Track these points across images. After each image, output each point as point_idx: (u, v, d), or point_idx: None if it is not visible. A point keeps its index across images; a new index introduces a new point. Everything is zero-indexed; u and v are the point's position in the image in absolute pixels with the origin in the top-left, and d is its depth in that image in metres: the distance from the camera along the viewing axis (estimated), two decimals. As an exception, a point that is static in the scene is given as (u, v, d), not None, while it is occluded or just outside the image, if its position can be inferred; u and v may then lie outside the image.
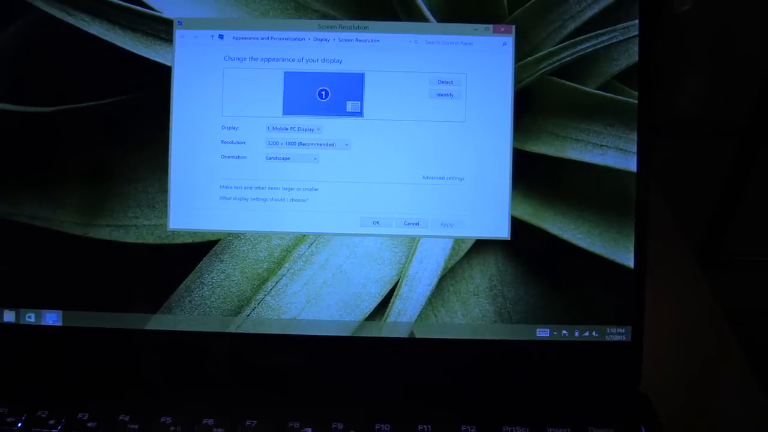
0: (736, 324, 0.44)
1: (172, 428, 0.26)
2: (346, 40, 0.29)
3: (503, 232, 0.29)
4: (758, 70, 0.86)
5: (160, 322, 0.29)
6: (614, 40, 0.29)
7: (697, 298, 0.46)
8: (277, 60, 0.29)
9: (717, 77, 0.91)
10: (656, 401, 0.31)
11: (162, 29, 0.29)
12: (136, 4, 0.29)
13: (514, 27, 0.29)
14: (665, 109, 0.94)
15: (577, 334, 0.29)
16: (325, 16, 0.29)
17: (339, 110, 0.29)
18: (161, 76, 0.29)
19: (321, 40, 0.29)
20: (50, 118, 0.29)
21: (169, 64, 0.29)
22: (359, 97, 0.29)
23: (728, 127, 0.91)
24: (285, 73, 0.29)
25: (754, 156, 0.90)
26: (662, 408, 0.32)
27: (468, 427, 0.27)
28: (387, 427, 0.26)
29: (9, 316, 0.29)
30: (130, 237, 0.29)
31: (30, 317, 0.29)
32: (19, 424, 0.26)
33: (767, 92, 0.85)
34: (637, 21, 0.29)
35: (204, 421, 0.27)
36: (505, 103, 0.29)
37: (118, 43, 0.29)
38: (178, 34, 0.29)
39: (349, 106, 0.29)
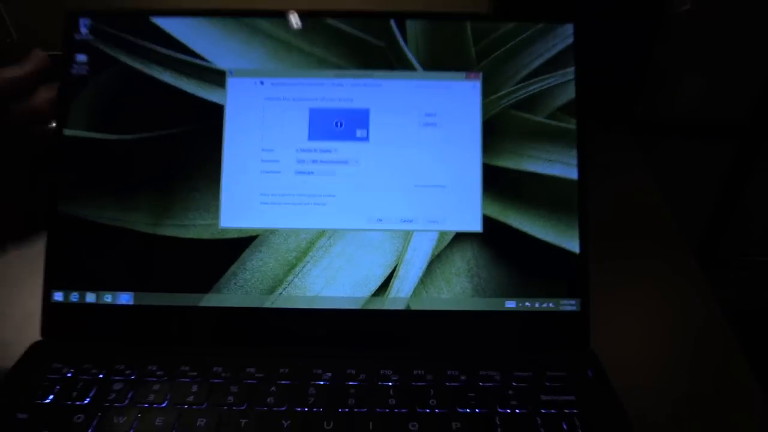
0: (736, 324, 0.44)
1: (222, 374, 0.34)
2: (355, 84, 0.38)
3: (477, 226, 0.37)
4: (758, 70, 0.85)
5: (211, 300, 0.37)
6: (556, 82, 0.38)
7: (697, 298, 0.46)
8: (304, 99, 0.38)
9: (717, 77, 0.90)
10: (657, 399, 0.35)
11: (217, 77, 0.38)
12: (197, 59, 0.38)
13: (481, 74, 0.38)
14: (665, 108, 0.93)
15: (537, 305, 0.37)
16: (339, 67, 0.38)
17: (351, 136, 0.38)
18: (216, 112, 0.38)
19: (337, 84, 0.38)
20: (131, 144, 0.38)
21: (222, 103, 0.38)
22: (366, 126, 0.38)
23: (728, 127, 0.90)
24: (310, 109, 0.38)
25: (754, 156, 0.89)
26: (664, 401, 0.35)
27: (453, 371, 0.34)
28: (389, 372, 0.34)
29: (91, 298, 0.37)
30: (190, 234, 0.37)
31: (107, 298, 0.37)
32: (101, 375, 0.34)
33: (767, 92, 0.85)
34: (573, 68, 0.38)
35: (247, 370, 0.34)
36: (476, 129, 0.38)
37: (184, 88, 0.38)
38: (230, 81, 0.38)
39: (359, 133, 0.38)
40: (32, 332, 0.38)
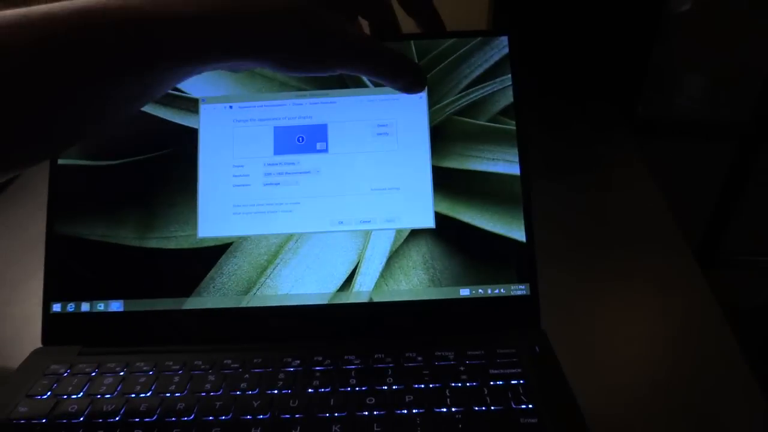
0: (736, 324, 0.44)
1: (202, 367, 0.37)
2: (314, 103, 0.43)
3: (430, 222, 0.41)
4: (758, 70, 0.85)
5: (192, 302, 0.41)
6: (495, 89, 0.42)
7: (697, 298, 0.45)
8: (269, 119, 0.43)
9: (717, 77, 0.90)
10: (657, 399, 0.35)
11: (191, 105, 0.43)
12: (172, 90, 0.43)
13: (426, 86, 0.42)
14: (665, 108, 0.93)
15: (489, 291, 0.40)
16: (299, 89, 0.43)
17: (311, 149, 0.42)
18: (191, 135, 0.42)
19: (297, 104, 0.43)
20: (116, 168, 0.42)
21: (196, 127, 0.42)
22: (325, 139, 0.42)
23: (728, 127, 0.90)
24: (274, 127, 0.42)
25: (754, 156, 0.89)
26: (664, 401, 0.36)
27: (411, 353, 0.37)
28: (352, 357, 0.37)
29: (85, 307, 0.41)
30: (171, 244, 0.41)
31: (100, 306, 0.41)
32: (93, 373, 0.38)
33: (767, 92, 0.85)
34: (509, 75, 0.42)
35: (224, 361, 0.38)
36: (424, 135, 0.42)
37: (161, 115, 0.43)
38: (203, 107, 0.43)
39: (319, 146, 0.42)
40: (32, 332, 0.41)
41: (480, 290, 0.40)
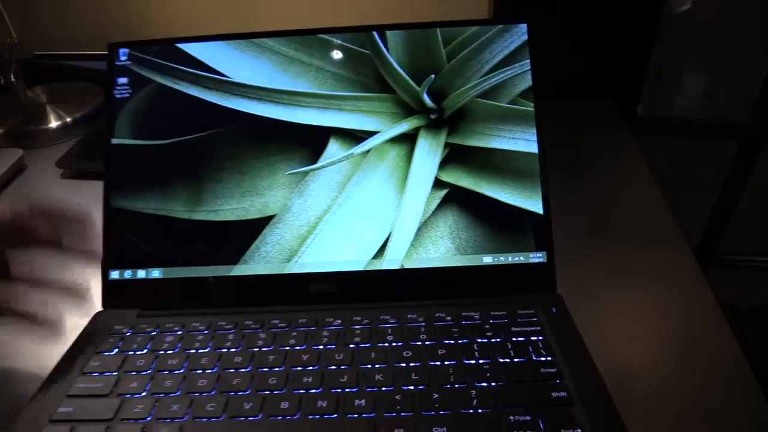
0: (736, 324, 0.43)
1: (253, 326, 0.41)
2: (366, 99, 0.46)
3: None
4: (758, 70, 0.83)
5: (240, 269, 0.45)
6: (515, 73, 0.46)
7: (697, 298, 0.45)
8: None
9: (717, 77, 0.89)
10: (657, 399, 0.36)
11: (234, 88, 0.46)
12: (217, 75, 0.47)
13: (451, 70, 0.46)
14: (665, 109, 0.92)
15: (510, 259, 0.44)
16: (335, 75, 0.46)
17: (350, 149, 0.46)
18: (236, 116, 0.46)
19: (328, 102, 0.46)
20: (166, 147, 0.46)
21: (239, 108, 0.46)
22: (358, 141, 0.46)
23: (728, 127, 0.88)
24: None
25: (754, 156, 0.87)
26: (664, 400, 0.36)
27: (440, 313, 0.41)
28: (388, 317, 0.41)
29: (141, 274, 0.45)
30: (219, 217, 0.45)
31: (154, 273, 0.45)
32: (154, 332, 0.42)
33: (767, 92, 0.83)
34: (528, 60, 0.46)
35: (272, 321, 0.42)
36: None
37: (207, 98, 0.46)
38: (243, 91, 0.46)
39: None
40: (31, 332, 0.43)
41: (501, 258, 0.44)
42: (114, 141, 0.46)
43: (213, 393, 0.36)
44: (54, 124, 0.74)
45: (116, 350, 0.40)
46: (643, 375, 0.40)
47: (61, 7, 0.82)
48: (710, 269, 0.98)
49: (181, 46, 0.47)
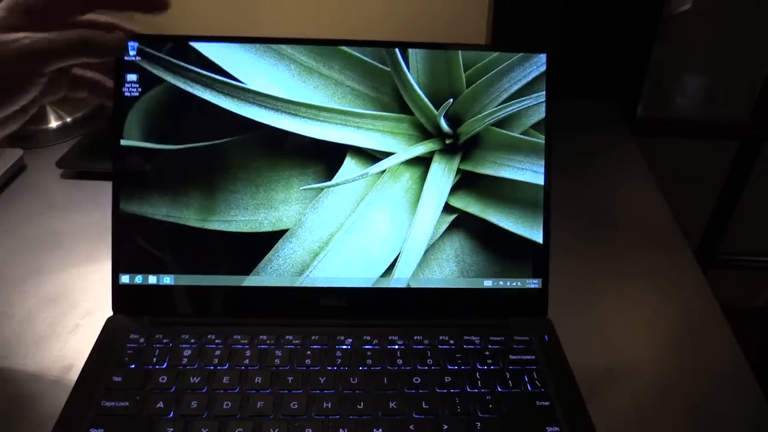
0: (736, 324, 0.44)
1: (268, 341, 0.44)
2: (382, 119, 0.46)
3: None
4: (758, 70, 0.83)
5: (251, 280, 0.46)
6: (530, 104, 0.47)
7: (697, 298, 0.46)
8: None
9: (717, 77, 0.90)
10: (657, 398, 0.37)
11: (250, 96, 0.46)
12: (232, 80, 0.45)
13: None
14: (665, 109, 0.93)
15: (508, 283, 0.47)
16: (353, 90, 0.46)
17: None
18: (253, 126, 0.46)
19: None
20: (178, 153, 0.46)
21: (256, 118, 0.46)
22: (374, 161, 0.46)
23: (728, 127, 0.88)
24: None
25: (754, 156, 0.87)
26: (664, 399, 0.37)
27: (444, 336, 0.45)
28: (395, 338, 0.44)
29: (152, 279, 0.46)
30: (232, 228, 0.46)
31: (166, 279, 0.46)
32: (170, 344, 0.43)
33: (767, 92, 0.83)
34: (544, 92, 0.47)
35: (287, 337, 0.44)
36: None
37: (221, 104, 0.45)
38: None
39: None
40: (31, 332, 0.45)
41: (500, 282, 0.47)
42: (123, 142, 0.45)
43: (239, 417, 0.39)
44: (54, 124, 0.74)
45: (136, 364, 0.42)
46: (643, 375, 0.42)
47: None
48: (710, 269, 1.00)
49: (195, 45, 0.45)
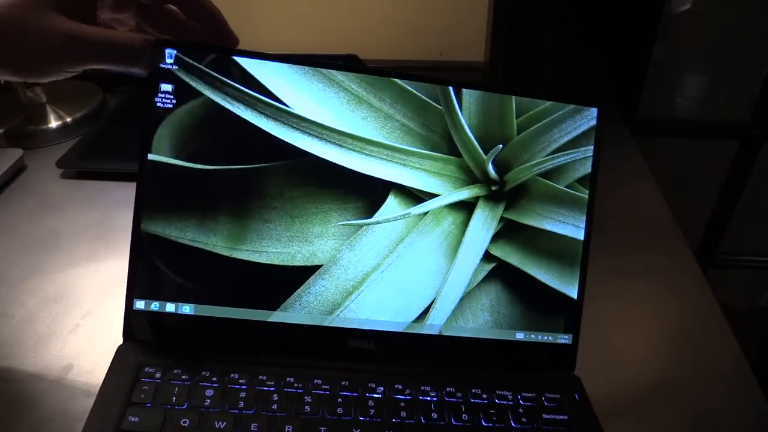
0: (736, 324, 0.43)
1: (295, 385, 0.41)
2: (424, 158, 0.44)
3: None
4: (758, 70, 0.83)
5: (278, 316, 0.43)
6: (578, 157, 0.46)
7: (697, 298, 0.46)
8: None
9: (717, 77, 0.90)
10: (656, 398, 0.37)
11: (293, 121, 0.43)
12: (277, 102, 0.42)
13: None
14: (665, 109, 0.92)
15: (540, 337, 0.46)
16: (403, 125, 0.44)
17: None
18: (294, 153, 0.43)
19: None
20: (211, 174, 0.42)
21: (298, 145, 0.43)
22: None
23: (728, 127, 0.88)
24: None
25: (754, 156, 0.87)
26: (664, 399, 0.37)
27: (476, 389, 0.43)
28: (428, 388, 0.43)
29: (170, 308, 0.42)
30: (263, 259, 0.43)
31: (185, 308, 0.42)
32: (189, 382, 0.40)
33: (767, 92, 0.83)
34: (592, 146, 0.46)
35: (315, 381, 0.41)
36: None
37: (262, 126, 0.43)
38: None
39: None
40: (31, 332, 0.43)
41: (532, 335, 0.46)
42: (151, 156, 0.42)
43: (270, 472, 0.36)
44: (54, 124, 0.74)
45: (152, 403, 0.38)
46: (643, 375, 0.42)
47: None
48: (710, 269, 1.00)
49: (240, 59, 0.42)
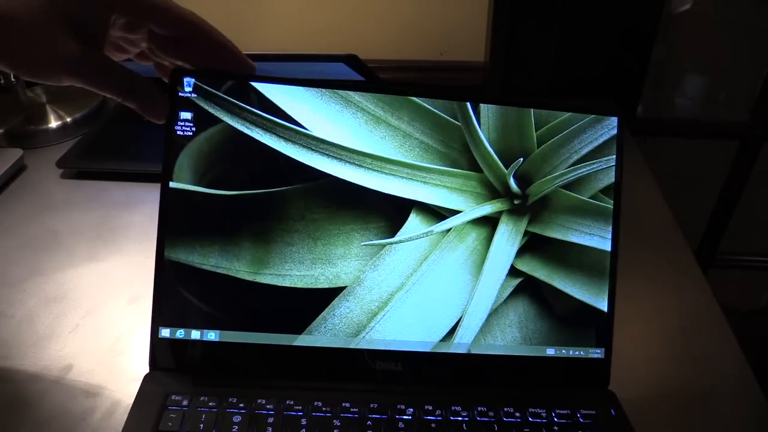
0: (736, 324, 0.43)
1: (323, 409, 0.40)
2: (442, 178, 0.44)
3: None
4: (758, 70, 0.82)
5: (304, 340, 0.43)
6: (600, 167, 0.46)
7: (697, 298, 0.46)
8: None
9: (717, 77, 0.90)
10: (657, 398, 0.37)
11: (313, 143, 0.43)
12: (295, 125, 0.43)
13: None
14: (665, 109, 0.93)
15: (571, 353, 0.45)
16: (422, 143, 0.44)
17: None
18: (314, 175, 0.43)
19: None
20: (232, 199, 0.42)
21: (318, 167, 0.43)
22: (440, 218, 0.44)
23: (728, 127, 0.87)
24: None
25: (754, 156, 0.87)
26: (664, 399, 0.37)
27: (508, 408, 0.42)
28: (458, 408, 0.41)
29: (195, 335, 0.42)
30: (286, 282, 0.43)
31: (211, 335, 0.42)
32: (215, 409, 0.39)
33: (767, 92, 0.83)
34: (615, 156, 0.46)
35: (343, 404, 0.41)
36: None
37: (282, 150, 0.43)
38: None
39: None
40: (31, 332, 0.44)
41: (563, 351, 0.45)
42: (173, 185, 0.42)
43: (301, 500, 0.35)
44: (54, 124, 0.74)
45: (179, 430, 0.38)
46: (643, 375, 0.41)
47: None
48: (710, 269, 0.99)
49: (257, 85, 0.42)
